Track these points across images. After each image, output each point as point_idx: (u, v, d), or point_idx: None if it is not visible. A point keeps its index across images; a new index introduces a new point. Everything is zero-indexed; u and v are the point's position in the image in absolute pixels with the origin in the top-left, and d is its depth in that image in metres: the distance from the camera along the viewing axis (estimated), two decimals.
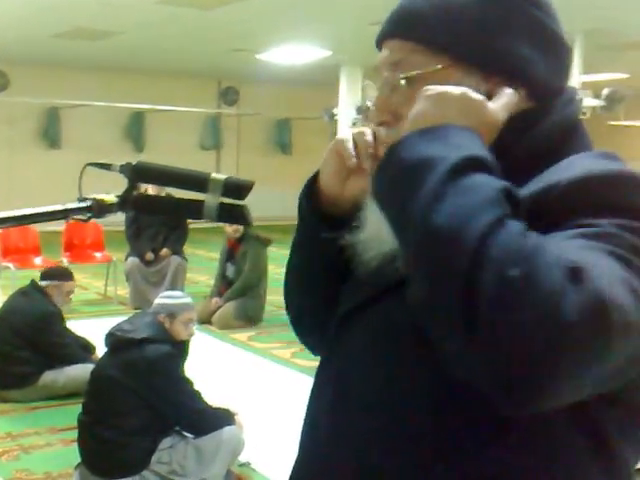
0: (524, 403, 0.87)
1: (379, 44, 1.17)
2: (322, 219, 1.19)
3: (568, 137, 1.10)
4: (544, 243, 0.86)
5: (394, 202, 0.95)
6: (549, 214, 0.94)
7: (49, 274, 5.56)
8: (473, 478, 1.02)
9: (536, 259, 0.83)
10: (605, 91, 9.01)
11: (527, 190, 0.98)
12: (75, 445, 3.90)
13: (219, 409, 3.94)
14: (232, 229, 7.56)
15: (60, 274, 5.58)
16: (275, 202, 14.66)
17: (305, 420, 1.22)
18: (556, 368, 0.83)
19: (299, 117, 16.92)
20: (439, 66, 1.07)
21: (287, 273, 1.32)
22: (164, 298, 4.10)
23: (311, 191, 1.20)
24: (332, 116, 13.21)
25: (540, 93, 1.09)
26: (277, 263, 11.28)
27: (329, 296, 1.24)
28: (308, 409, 1.23)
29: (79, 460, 3.83)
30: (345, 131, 1.20)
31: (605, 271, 0.85)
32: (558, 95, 1.12)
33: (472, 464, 1.02)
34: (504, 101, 1.03)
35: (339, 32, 10.19)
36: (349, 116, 12.67)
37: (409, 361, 1.05)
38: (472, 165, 0.91)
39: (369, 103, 1.19)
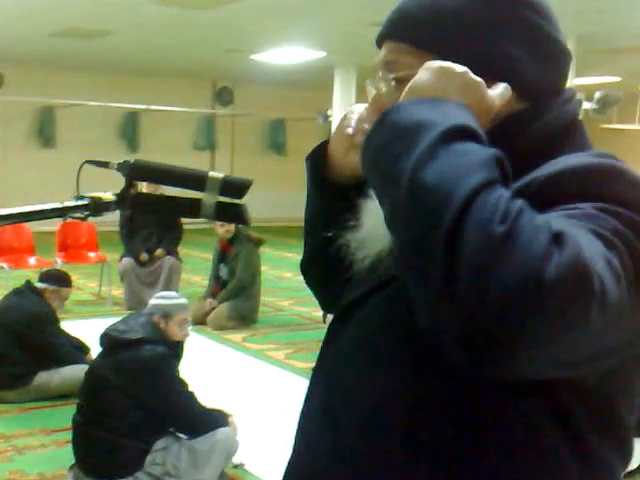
0: (489, 361, 0.86)
1: (379, 44, 1.19)
2: (323, 178, 1.29)
3: (564, 137, 1.10)
4: (530, 209, 0.87)
5: (384, 162, 0.95)
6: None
7: (49, 277, 5.55)
8: (444, 468, 1.04)
9: (522, 219, 0.84)
10: (597, 94, 9.04)
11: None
12: (69, 446, 3.90)
13: (213, 410, 3.94)
14: (223, 230, 7.55)
15: (60, 279, 5.57)
16: (270, 203, 14.67)
17: (301, 415, 1.26)
18: (529, 327, 0.82)
19: (293, 118, 16.92)
20: None
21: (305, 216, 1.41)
22: (159, 299, 4.09)
23: (322, 152, 1.29)
24: (326, 118, 13.23)
25: (534, 95, 1.10)
26: (271, 264, 11.29)
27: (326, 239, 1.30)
28: (305, 403, 1.26)
29: (73, 461, 3.83)
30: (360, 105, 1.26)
31: (587, 243, 0.86)
32: (555, 96, 1.12)
33: (445, 454, 1.04)
34: (499, 91, 1.04)
35: (334, 33, 10.19)
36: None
37: (392, 353, 1.09)
38: (465, 133, 0.92)
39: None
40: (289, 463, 1.24)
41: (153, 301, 4.08)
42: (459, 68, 1.01)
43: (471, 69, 1.05)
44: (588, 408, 1.02)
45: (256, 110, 16.35)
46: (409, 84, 1.01)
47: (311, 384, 1.26)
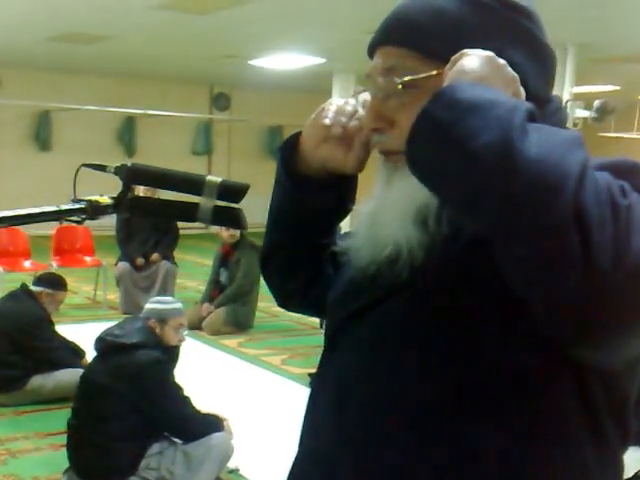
0: (592, 340, 0.90)
1: (371, 52, 1.19)
2: (293, 168, 1.28)
3: None
4: None
5: (456, 138, 0.91)
6: None
7: (44, 281, 5.55)
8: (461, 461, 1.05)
9: (633, 194, 0.87)
10: (596, 103, 9.06)
11: None
12: (64, 450, 3.89)
13: (208, 415, 3.93)
14: (228, 234, 7.56)
15: (56, 283, 5.57)
16: (266, 208, 14.64)
17: (306, 421, 1.25)
18: None
19: (291, 124, 16.92)
20: (434, 72, 1.08)
21: (268, 224, 1.41)
22: (155, 303, 4.10)
23: (293, 143, 1.29)
24: None
25: (532, 100, 1.08)
26: None
27: (297, 233, 1.33)
28: (308, 410, 1.25)
29: (67, 465, 3.82)
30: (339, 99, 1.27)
31: None
32: (546, 104, 1.13)
33: (465, 460, 1.04)
34: (521, 90, 1.04)
35: (332, 40, 10.21)
36: None
37: (409, 362, 1.08)
38: (534, 116, 0.92)
39: (360, 109, 1.23)
40: (296, 459, 1.25)
41: (149, 306, 4.08)
42: (501, 60, 1.02)
43: None
44: (606, 391, 1.04)
45: (253, 116, 16.38)
46: (456, 67, 1.00)
47: (316, 390, 1.25)
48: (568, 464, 1.05)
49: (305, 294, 1.40)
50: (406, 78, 1.09)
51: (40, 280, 5.55)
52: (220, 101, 17.07)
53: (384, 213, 1.13)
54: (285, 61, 11.92)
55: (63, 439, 3.95)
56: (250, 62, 12.20)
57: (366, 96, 1.20)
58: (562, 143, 0.87)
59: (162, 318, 3.95)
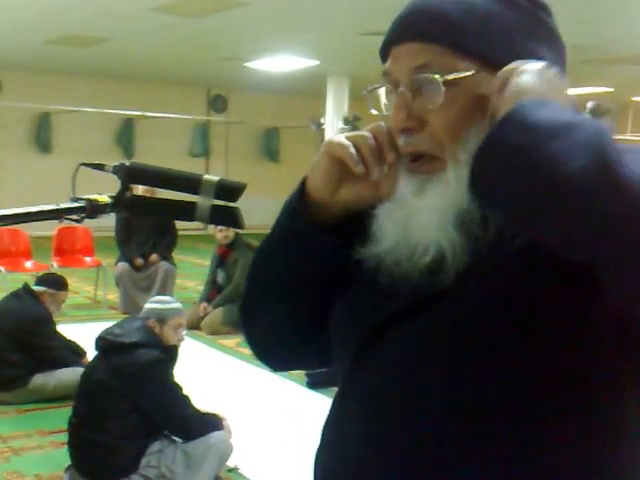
0: None
1: (388, 48, 1.11)
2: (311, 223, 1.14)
3: None
4: None
5: (541, 163, 0.86)
6: None
7: (46, 281, 5.59)
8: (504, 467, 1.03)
9: None
10: (589, 104, 9.10)
11: None
12: (65, 448, 3.92)
13: (207, 414, 3.94)
14: (221, 235, 7.60)
15: (57, 283, 5.60)
16: (263, 209, 14.65)
17: (328, 441, 1.18)
18: None
19: (287, 125, 16.97)
20: (472, 71, 1.04)
21: (258, 283, 1.25)
22: (154, 303, 4.11)
23: (302, 195, 1.15)
24: (319, 125, 13.29)
25: None
26: None
27: (311, 306, 1.21)
28: (331, 427, 1.18)
29: (69, 462, 3.84)
30: (336, 135, 1.14)
31: None
32: None
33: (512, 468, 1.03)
34: (567, 95, 1.02)
35: (327, 42, 10.24)
36: (336, 125, 12.77)
37: (464, 369, 1.03)
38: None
39: (376, 110, 1.15)
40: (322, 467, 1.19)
41: (148, 305, 4.10)
42: (553, 70, 0.99)
43: None
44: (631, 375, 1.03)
45: (250, 117, 16.39)
46: (513, 85, 0.96)
47: (342, 403, 1.17)
48: (628, 458, 1.05)
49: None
50: (450, 76, 1.03)
51: (42, 280, 5.59)
52: (217, 103, 17.10)
53: (421, 219, 1.06)
54: (280, 63, 11.95)
55: (65, 437, 3.96)
56: (246, 64, 12.22)
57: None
58: None
59: (161, 318, 3.96)
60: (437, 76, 1.03)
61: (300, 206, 1.14)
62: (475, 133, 1.01)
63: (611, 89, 13.00)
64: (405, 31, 1.09)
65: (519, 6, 1.08)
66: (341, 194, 1.12)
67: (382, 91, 1.14)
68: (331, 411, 1.19)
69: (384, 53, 1.12)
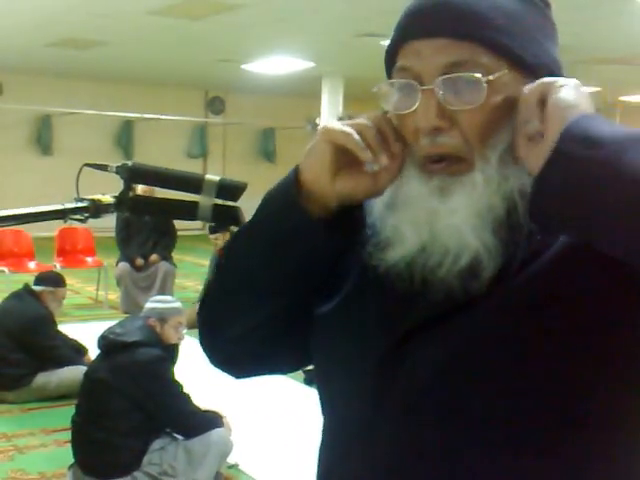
0: None
1: (403, 43, 1.04)
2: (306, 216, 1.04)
3: None
4: None
5: (613, 180, 0.84)
6: None
7: (44, 279, 5.62)
8: None
9: None
10: None
11: None
12: (69, 446, 3.94)
13: (208, 412, 3.96)
14: (213, 237, 7.65)
15: (54, 280, 5.64)
16: None
17: (328, 441, 1.13)
18: None
19: (283, 126, 17.01)
20: (505, 70, 1.00)
21: (231, 280, 1.13)
22: (155, 302, 4.13)
23: (295, 185, 1.05)
24: (315, 126, 13.33)
25: None
26: None
27: (292, 312, 1.12)
28: (345, 440, 1.09)
29: (73, 460, 3.86)
30: (332, 122, 1.05)
31: None
32: None
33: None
34: None
35: (322, 45, 10.28)
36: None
37: (506, 380, 0.97)
38: None
39: (388, 107, 1.06)
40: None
41: (149, 305, 4.12)
42: (580, 83, 0.97)
43: (535, 73, 1.01)
44: None
45: (247, 119, 16.44)
46: (559, 101, 0.93)
47: (360, 411, 1.06)
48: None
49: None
50: (491, 77, 0.98)
51: (40, 280, 5.62)
52: (215, 105, 17.14)
53: (451, 222, 0.99)
54: (276, 65, 11.98)
55: (68, 435, 3.98)
56: (243, 66, 12.26)
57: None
58: None
59: (162, 317, 3.99)
60: (479, 75, 0.98)
61: (295, 197, 1.03)
62: (504, 134, 0.99)
63: (599, 89, 13.04)
64: (430, 26, 1.01)
65: (534, 4, 1.06)
66: (337, 185, 1.03)
67: (395, 87, 1.05)
68: (332, 418, 1.13)
69: (397, 48, 1.05)
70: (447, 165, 1.01)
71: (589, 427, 0.97)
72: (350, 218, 1.06)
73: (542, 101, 0.95)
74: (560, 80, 0.96)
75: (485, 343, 0.97)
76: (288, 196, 1.04)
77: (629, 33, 8.99)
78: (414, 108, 1.01)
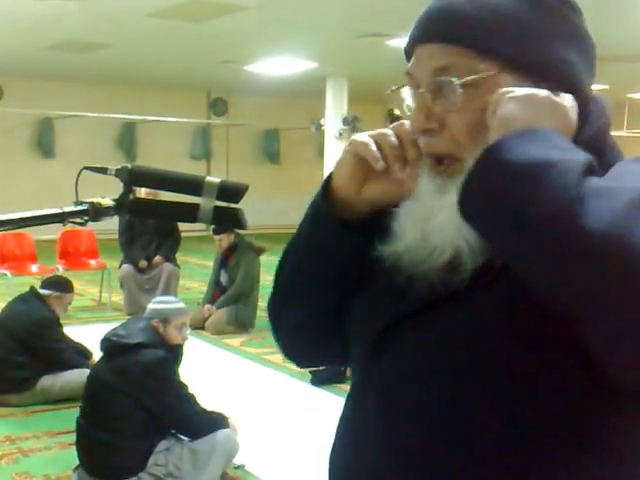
0: None
1: (412, 48, 1.10)
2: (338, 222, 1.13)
3: (606, 144, 1.08)
4: None
5: (506, 206, 0.89)
6: None
7: (52, 284, 5.62)
8: None
9: None
10: None
11: None
12: (73, 448, 3.93)
13: (213, 413, 3.95)
14: (217, 238, 7.67)
15: (63, 286, 5.63)
16: (264, 210, 14.74)
17: (343, 443, 1.17)
18: None
19: (287, 127, 17.01)
20: (492, 72, 1.02)
21: (282, 282, 1.26)
22: (157, 303, 4.13)
23: (326, 194, 1.14)
24: (319, 127, 13.33)
25: (583, 100, 1.04)
26: (268, 270, 11.36)
27: (331, 304, 1.21)
28: (344, 431, 1.17)
29: (77, 463, 3.86)
30: (361, 134, 1.13)
31: None
32: (591, 101, 1.08)
33: (560, 476, 1.00)
34: (571, 104, 1.00)
35: (325, 45, 10.28)
36: (335, 126, 12.81)
37: (483, 372, 1.00)
38: (588, 168, 0.89)
39: (399, 110, 1.15)
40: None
41: (151, 306, 4.11)
42: (542, 93, 0.97)
43: (532, 76, 1.02)
44: None
45: (250, 120, 16.47)
46: (497, 117, 0.96)
47: (354, 402, 1.16)
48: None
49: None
50: (468, 78, 1.02)
51: (48, 284, 5.62)
52: (217, 106, 17.15)
53: (440, 219, 1.05)
54: (279, 66, 11.98)
55: (72, 438, 3.98)
56: (245, 67, 12.26)
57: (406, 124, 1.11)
58: (626, 209, 0.83)
59: (165, 318, 3.98)
60: (454, 78, 1.02)
61: (324, 205, 1.13)
62: None
63: (607, 86, 13.03)
64: (427, 31, 1.07)
65: (545, 6, 1.05)
66: (366, 191, 1.12)
67: (406, 91, 1.13)
68: (346, 407, 1.18)
69: (409, 52, 1.11)
70: (447, 166, 1.07)
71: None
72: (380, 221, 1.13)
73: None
74: (516, 91, 0.97)
75: (466, 334, 1.01)
76: (317, 203, 1.15)
77: (636, 30, 8.97)
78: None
